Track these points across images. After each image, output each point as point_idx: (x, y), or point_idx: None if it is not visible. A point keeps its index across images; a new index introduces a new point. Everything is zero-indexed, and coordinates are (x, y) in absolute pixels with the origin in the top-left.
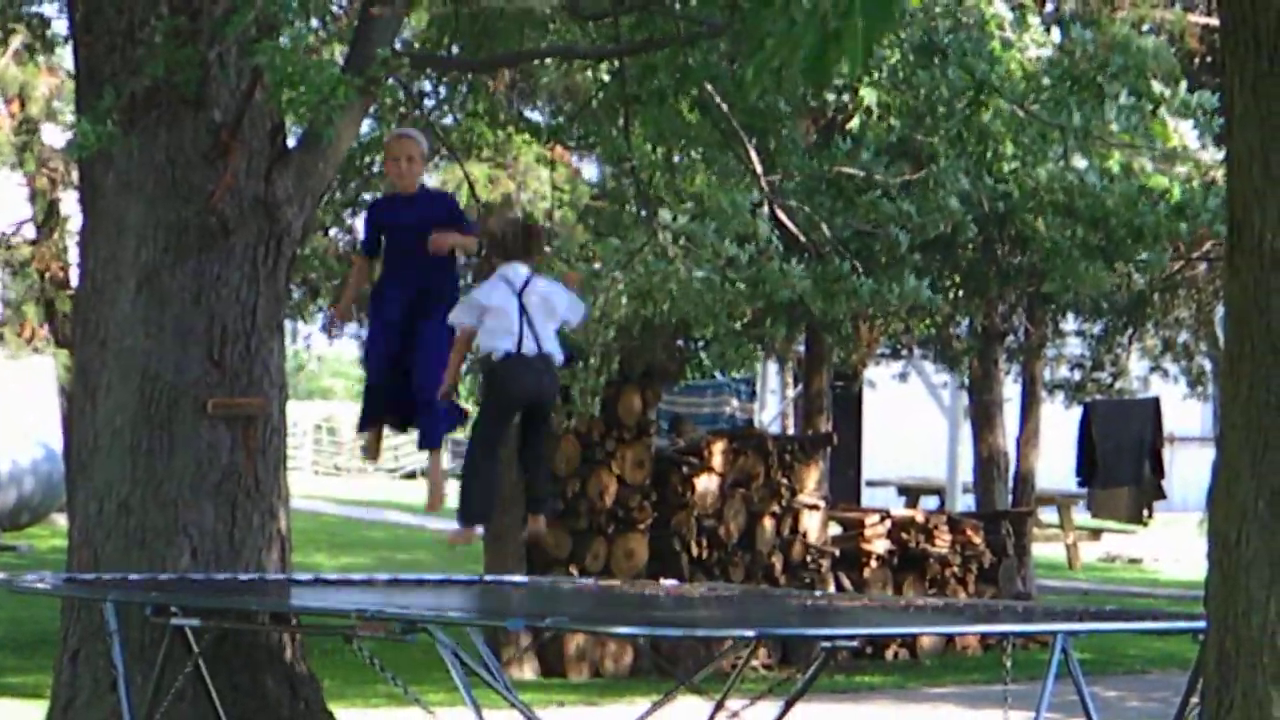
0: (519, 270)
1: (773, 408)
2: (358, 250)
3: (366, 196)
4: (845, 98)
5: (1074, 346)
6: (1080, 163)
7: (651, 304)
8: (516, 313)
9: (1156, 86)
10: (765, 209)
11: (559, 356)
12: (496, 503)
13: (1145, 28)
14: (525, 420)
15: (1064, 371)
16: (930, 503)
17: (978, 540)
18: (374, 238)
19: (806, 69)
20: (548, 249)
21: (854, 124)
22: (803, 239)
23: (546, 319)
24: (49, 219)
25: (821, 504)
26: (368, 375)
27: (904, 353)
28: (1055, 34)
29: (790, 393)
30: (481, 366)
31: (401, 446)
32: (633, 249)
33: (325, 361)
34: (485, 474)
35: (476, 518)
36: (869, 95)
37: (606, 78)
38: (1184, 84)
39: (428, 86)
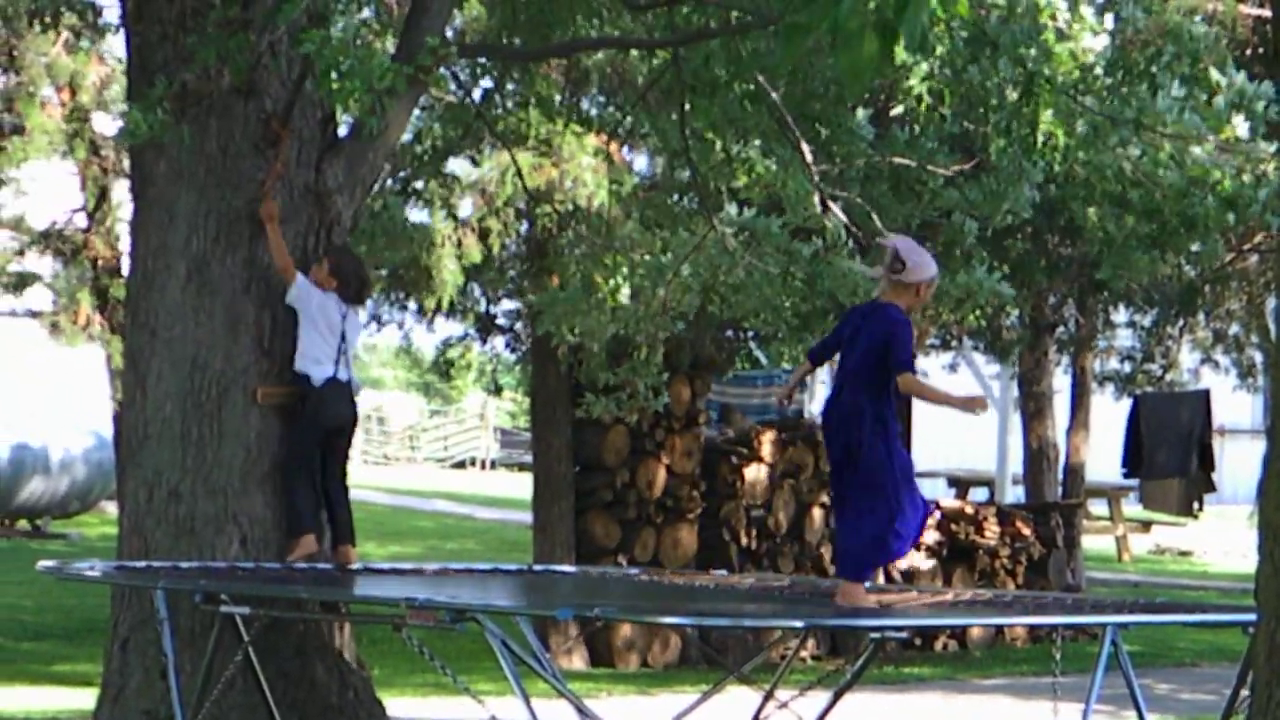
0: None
1: (822, 398)
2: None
3: (419, 184)
4: (894, 81)
5: (1124, 338)
6: (1134, 151)
7: (716, 297)
8: None
9: (1214, 75)
10: (818, 202)
11: None
12: None
13: (1197, 18)
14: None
15: (1114, 363)
16: (980, 494)
17: (1027, 532)
18: (831, 347)
19: (845, 67)
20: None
21: (899, 109)
22: (854, 230)
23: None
24: (99, 206)
25: None
26: None
27: (954, 343)
28: (1109, 20)
29: None
30: None
31: (451, 436)
32: (696, 242)
33: (375, 351)
34: None
35: None
36: (919, 87)
37: (659, 66)
38: (1234, 73)
39: (488, 82)
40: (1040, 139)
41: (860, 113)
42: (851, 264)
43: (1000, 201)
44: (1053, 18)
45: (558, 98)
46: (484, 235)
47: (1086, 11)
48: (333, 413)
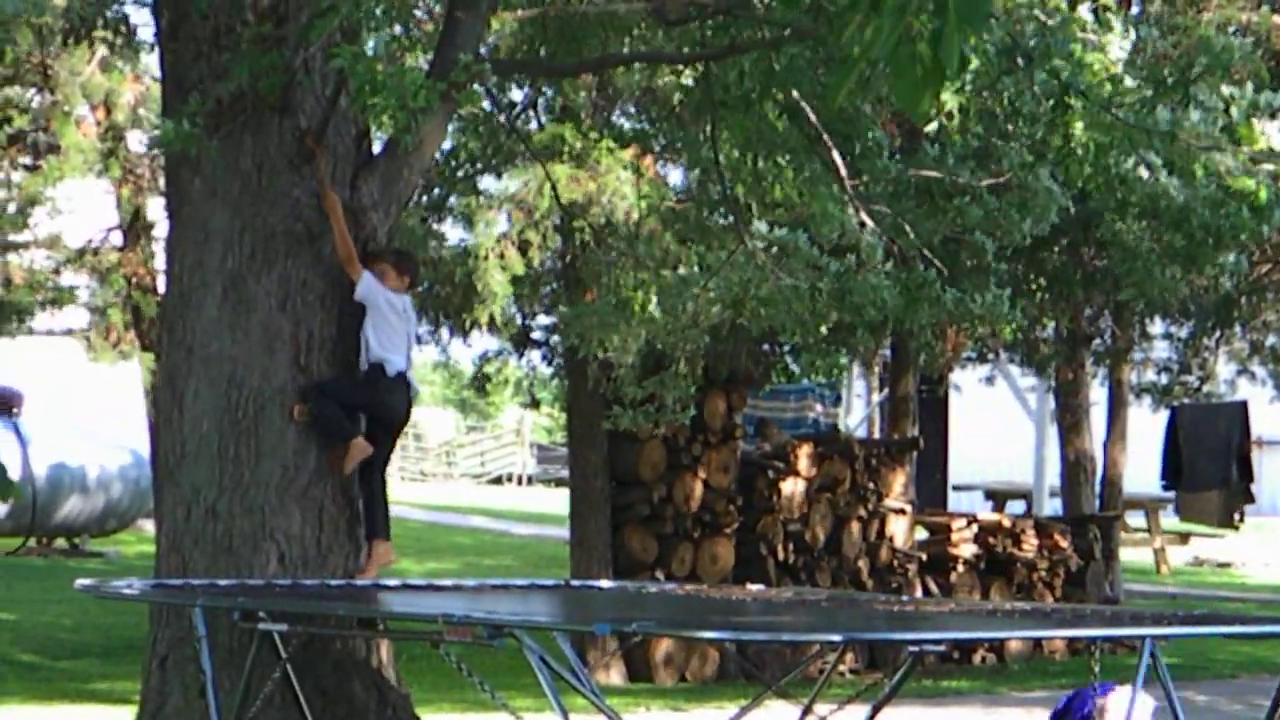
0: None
1: (858, 412)
2: None
3: (453, 200)
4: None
5: (1161, 350)
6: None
7: (743, 310)
8: None
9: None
10: (854, 217)
11: None
12: None
13: (1231, 29)
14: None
15: (1151, 375)
16: (1017, 507)
17: (1065, 544)
18: None
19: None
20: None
21: (932, 126)
22: (887, 242)
23: None
24: (134, 224)
25: (908, 508)
26: None
27: (990, 356)
28: (1132, 34)
29: (876, 397)
30: None
31: (488, 452)
32: (725, 255)
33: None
34: None
35: None
36: (950, 100)
37: (691, 82)
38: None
39: (516, 95)
40: (1070, 149)
41: (878, 128)
42: (876, 280)
43: (1022, 220)
44: (1082, 29)
45: (586, 115)
46: (524, 249)
47: (1114, 21)
48: (396, 406)
